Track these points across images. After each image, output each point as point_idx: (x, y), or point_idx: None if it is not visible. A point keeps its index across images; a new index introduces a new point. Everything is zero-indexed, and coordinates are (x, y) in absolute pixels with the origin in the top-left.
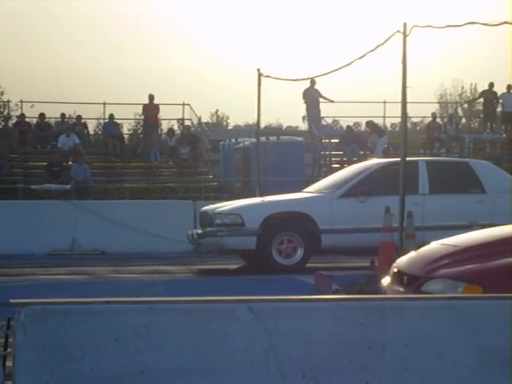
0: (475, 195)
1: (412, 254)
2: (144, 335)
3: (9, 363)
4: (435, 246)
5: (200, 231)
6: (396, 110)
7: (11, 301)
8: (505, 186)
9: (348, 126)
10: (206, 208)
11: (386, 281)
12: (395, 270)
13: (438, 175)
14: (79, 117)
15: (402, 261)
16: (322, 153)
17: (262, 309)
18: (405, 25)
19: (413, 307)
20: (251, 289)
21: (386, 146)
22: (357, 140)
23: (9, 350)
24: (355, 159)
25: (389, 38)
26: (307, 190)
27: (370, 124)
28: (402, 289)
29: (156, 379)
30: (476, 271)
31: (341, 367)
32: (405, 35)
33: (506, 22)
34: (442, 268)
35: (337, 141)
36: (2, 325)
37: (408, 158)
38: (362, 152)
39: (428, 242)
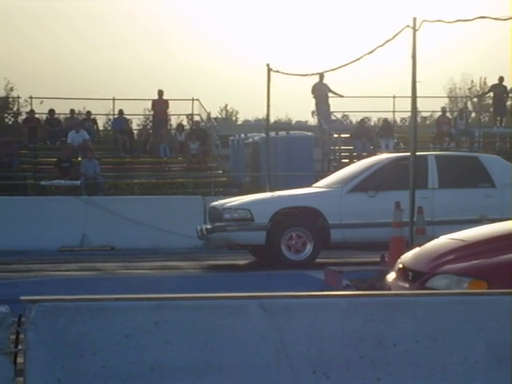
0: (484, 189)
1: (417, 250)
2: (154, 332)
3: (20, 360)
4: (440, 241)
5: (209, 226)
6: (406, 105)
7: (22, 298)
8: None
9: (361, 120)
10: (215, 203)
11: (391, 276)
12: (400, 265)
13: (448, 170)
14: (89, 112)
15: (407, 256)
16: (332, 148)
17: (273, 305)
18: (414, 19)
19: (423, 303)
20: (261, 284)
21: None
22: (367, 134)
23: (20, 346)
24: (365, 154)
25: (398, 32)
26: (316, 184)
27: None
28: (406, 285)
29: (166, 376)
30: (481, 266)
31: (351, 363)
32: (414, 30)
33: None
34: (447, 264)
35: (347, 135)
36: (12, 322)
37: (417, 153)
38: (371, 147)
39: (437, 237)
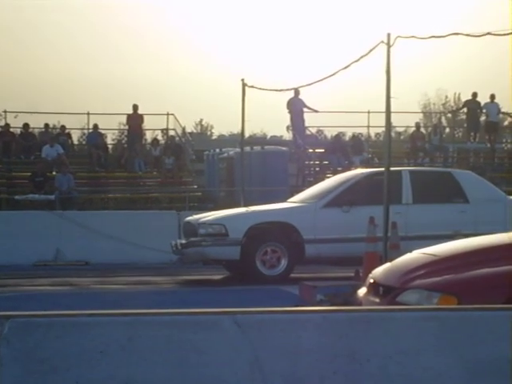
0: (458, 205)
1: (387, 265)
2: (128, 348)
3: None
4: (411, 256)
5: (184, 241)
6: (380, 120)
7: None
8: (487, 195)
9: (336, 135)
10: (189, 218)
11: (362, 291)
12: (371, 280)
13: (422, 185)
14: (63, 127)
15: (378, 271)
16: (307, 162)
17: (247, 320)
18: (389, 35)
19: (397, 318)
20: (236, 299)
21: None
22: (342, 149)
23: None
24: (340, 169)
25: (373, 48)
26: (291, 199)
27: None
28: (377, 299)
29: None
30: (451, 282)
31: (325, 379)
32: (389, 46)
33: (488, 33)
34: (418, 278)
35: (321, 150)
36: None
37: (391, 168)
38: (346, 162)
39: (409, 252)
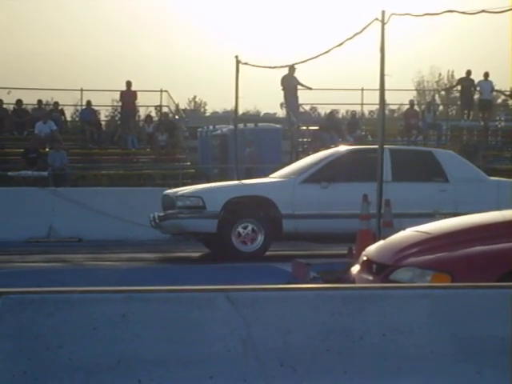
0: (438, 184)
1: (381, 242)
2: (121, 324)
3: None
4: (404, 233)
5: (161, 214)
6: (374, 97)
7: None
8: (468, 175)
9: (330, 112)
10: (168, 191)
11: (355, 269)
12: (364, 258)
13: (402, 163)
14: (56, 103)
15: (371, 249)
16: (300, 140)
17: (241, 298)
18: (383, 13)
19: (391, 296)
20: (228, 277)
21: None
22: (336, 127)
23: None
24: (332, 146)
25: (367, 25)
26: (272, 175)
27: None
28: (370, 277)
29: (133, 368)
30: (444, 260)
31: (319, 356)
32: (383, 23)
33: (483, 11)
34: (411, 256)
35: (315, 128)
36: None
37: (371, 146)
38: (340, 139)
39: (403, 229)
